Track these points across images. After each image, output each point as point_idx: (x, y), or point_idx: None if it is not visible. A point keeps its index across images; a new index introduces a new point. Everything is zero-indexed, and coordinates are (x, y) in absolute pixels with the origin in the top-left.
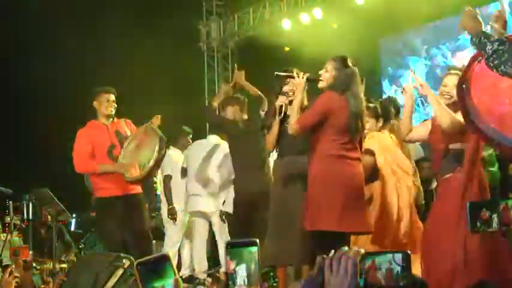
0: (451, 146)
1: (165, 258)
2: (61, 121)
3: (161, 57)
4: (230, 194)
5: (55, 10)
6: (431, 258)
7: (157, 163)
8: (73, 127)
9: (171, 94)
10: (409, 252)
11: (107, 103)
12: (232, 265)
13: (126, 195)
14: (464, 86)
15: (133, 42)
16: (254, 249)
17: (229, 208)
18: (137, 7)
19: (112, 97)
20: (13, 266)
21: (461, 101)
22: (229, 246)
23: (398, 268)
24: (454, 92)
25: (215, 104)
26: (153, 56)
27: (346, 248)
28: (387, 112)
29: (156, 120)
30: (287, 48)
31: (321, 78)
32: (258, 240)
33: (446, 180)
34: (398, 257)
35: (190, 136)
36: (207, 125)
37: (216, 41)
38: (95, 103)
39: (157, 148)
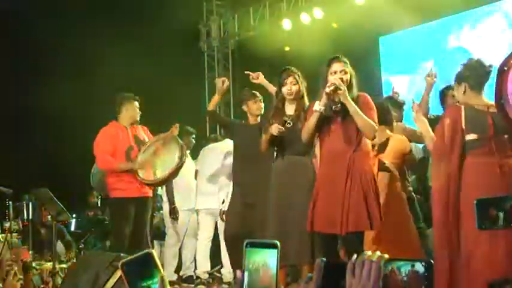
0: None
1: (149, 256)
2: (61, 121)
3: (161, 57)
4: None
5: (55, 9)
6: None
7: (178, 169)
8: (73, 127)
9: (171, 94)
10: (432, 261)
11: (136, 109)
12: (248, 265)
13: (139, 198)
14: (506, 68)
15: (133, 42)
16: (273, 251)
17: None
18: (137, 7)
19: (138, 104)
20: (16, 268)
21: (497, 84)
22: (248, 245)
23: (421, 276)
24: None
25: (210, 108)
26: (154, 56)
27: (369, 253)
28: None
29: (176, 129)
30: (287, 48)
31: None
32: (278, 243)
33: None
34: (421, 264)
35: (193, 136)
36: (207, 125)
37: (217, 41)
38: (123, 108)
39: (178, 155)
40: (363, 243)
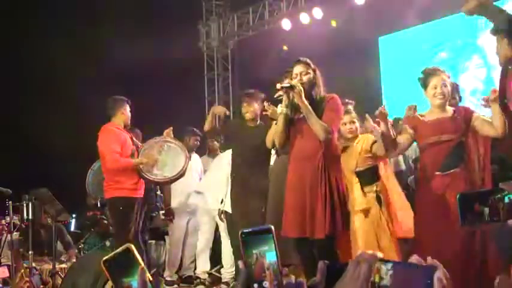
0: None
1: (128, 250)
2: (60, 121)
3: (161, 57)
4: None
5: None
6: (431, 251)
7: (186, 169)
8: (72, 127)
9: (171, 94)
10: (435, 265)
11: (129, 112)
12: (247, 255)
13: (140, 198)
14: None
15: (133, 42)
16: (268, 236)
17: (228, 207)
18: (137, 7)
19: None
20: (22, 271)
21: (501, 84)
22: (244, 235)
23: (422, 283)
24: (446, 91)
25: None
26: (153, 56)
27: (370, 252)
28: None
29: (169, 133)
30: (285, 47)
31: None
32: (272, 227)
33: (452, 175)
34: (421, 270)
35: (198, 138)
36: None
37: (216, 41)
38: (119, 110)
39: (184, 155)
40: (335, 246)
